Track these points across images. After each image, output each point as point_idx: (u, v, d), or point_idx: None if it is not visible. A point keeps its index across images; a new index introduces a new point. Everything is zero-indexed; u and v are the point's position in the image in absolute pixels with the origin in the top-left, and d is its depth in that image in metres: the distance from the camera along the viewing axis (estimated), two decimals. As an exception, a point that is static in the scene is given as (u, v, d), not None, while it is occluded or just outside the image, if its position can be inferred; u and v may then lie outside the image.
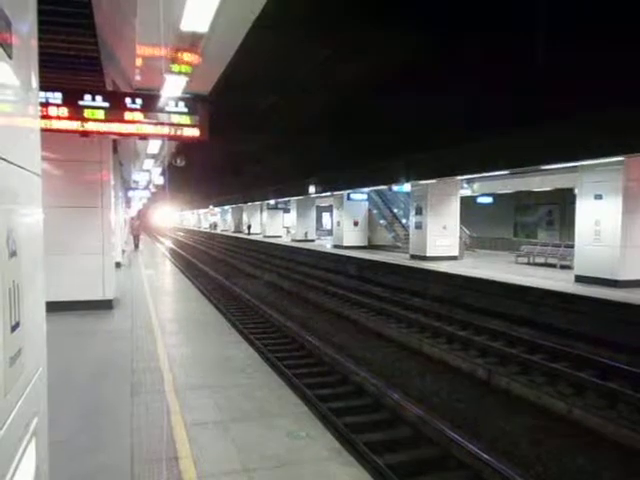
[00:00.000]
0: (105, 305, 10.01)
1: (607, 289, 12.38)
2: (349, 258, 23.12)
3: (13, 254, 1.52)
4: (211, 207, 59.55)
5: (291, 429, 4.48)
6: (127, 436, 4.34)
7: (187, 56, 5.68)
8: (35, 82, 1.96)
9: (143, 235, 34.08)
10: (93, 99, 6.69)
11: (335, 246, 28.76)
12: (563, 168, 15.70)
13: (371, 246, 28.35)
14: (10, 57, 1.53)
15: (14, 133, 1.64)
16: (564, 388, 7.68)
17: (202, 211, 73.08)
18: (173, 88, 6.81)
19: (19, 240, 1.58)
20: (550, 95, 9.84)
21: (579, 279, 13.83)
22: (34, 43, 1.94)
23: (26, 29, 1.82)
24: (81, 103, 6.64)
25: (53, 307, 7.92)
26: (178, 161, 17.87)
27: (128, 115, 6.80)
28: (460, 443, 5.43)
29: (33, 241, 1.84)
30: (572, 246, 15.51)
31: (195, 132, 7.06)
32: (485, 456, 5.15)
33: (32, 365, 1.77)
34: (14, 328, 1.52)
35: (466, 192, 23.77)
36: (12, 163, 1.53)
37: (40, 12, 2.06)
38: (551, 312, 11.83)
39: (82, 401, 5.23)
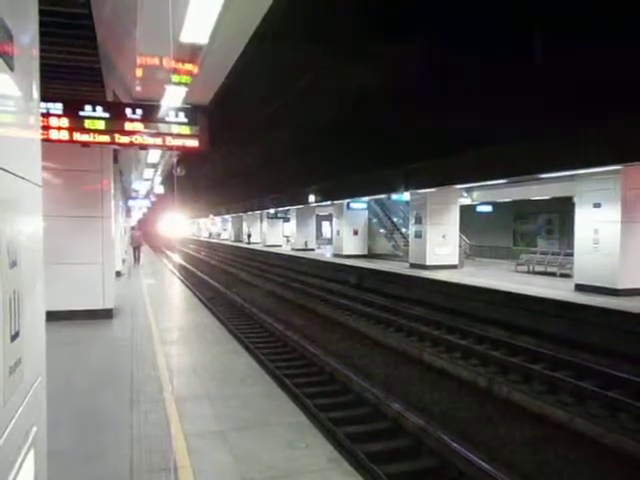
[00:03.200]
0: (105, 314, 10.00)
1: (607, 298, 12.36)
2: (348, 267, 23.11)
3: (13, 264, 1.53)
4: (211, 216, 59.54)
5: (291, 439, 4.46)
6: (126, 446, 4.32)
7: (187, 67, 5.73)
8: (36, 93, 1.98)
9: (145, 247, 33.45)
10: (94, 110, 6.73)
11: (335, 255, 28.74)
12: (562, 177, 15.71)
13: (371, 255, 28.33)
14: (11, 69, 1.55)
15: (15, 143, 1.65)
16: (565, 397, 7.67)
17: (202, 220, 73.09)
18: (173, 98, 6.86)
19: (19, 250, 1.59)
20: (549, 100, 9.87)
21: (579, 287, 13.81)
22: (35, 54, 1.96)
23: (27, 40, 1.84)
24: (82, 114, 6.68)
25: (53, 316, 7.90)
26: (178, 170, 17.93)
27: (128, 125, 6.84)
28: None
29: (33, 251, 1.85)
30: (572, 254, 15.49)
31: (195, 142, 7.10)
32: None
33: (31, 374, 1.77)
34: (14, 337, 1.52)
35: (465, 201, 23.79)
36: (12, 173, 1.54)
37: (41, 24, 2.08)
38: (551, 321, 11.80)
39: (81, 410, 5.21)
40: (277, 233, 42.41)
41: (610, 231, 13.15)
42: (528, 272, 18.93)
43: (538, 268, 18.96)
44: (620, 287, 12.86)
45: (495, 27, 9.96)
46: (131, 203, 29.18)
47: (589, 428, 6.34)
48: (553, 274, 17.82)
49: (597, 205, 13.52)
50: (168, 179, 24.05)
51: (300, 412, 5.28)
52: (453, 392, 8.06)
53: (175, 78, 5.94)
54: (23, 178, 1.69)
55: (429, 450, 5.78)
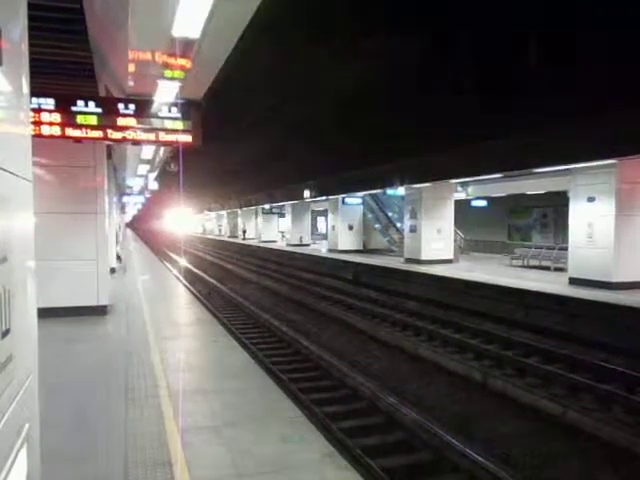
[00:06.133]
0: (99, 311, 9.97)
1: (601, 291, 12.43)
2: (343, 262, 23.14)
3: (4, 260, 1.52)
4: (205, 212, 59.46)
5: (285, 433, 4.47)
6: (121, 442, 4.32)
7: (179, 61, 5.69)
8: (26, 88, 1.96)
9: (140, 242, 33.23)
10: (86, 105, 6.68)
11: (330, 250, 28.75)
12: (556, 171, 15.75)
13: (366, 250, 28.36)
14: (0, 63, 1.54)
15: (4, 139, 1.64)
16: (558, 390, 7.72)
17: (197, 217, 72.95)
18: (166, 93, 6.82)
19: (10, 246, 1.59)
20: (546, 97, 9.88)
21: (573, 281, 13.87)
22: (25, 49, 1.95)
23: (17, 35, 1.82)
24: (74, 109, 6.63)
25: (47, 313, 7.85)
26: (172, 166, 17.83)
27: (121, 121, 6.79)
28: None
29: (24, 247, 1.85)
30: (566, 248, 15.56)
31: (188, 137, 7.06)
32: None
33: (23, 371, 1.77)
34: (4, 334, 1.52)
35: (460, 195, 23.82)
36: (2, 169, 1.53)
37: (32, 18, 2.07)
38: (544, 314, 11.86)
39: (76, 407, 5.20)
40: (272, 229, 42.38)
41: (604, 225, 13.20)
42: (523, 266, 18.99)
43: (533, 262, 19.03)
44: (614, 280, 12.93)
45: (493, 22, 9.94)
46: (125, 199, 29.09)
47: (582, 421, 6.38)
48: (547, 268, 17.89)
49: (591, 199, 13.58)
50: (162, 175, 23.96)
51: (295, 407, 5.29)
52: (448, 386, 8.09)
53: (168, 73, 5.90)
54: (13, 173, 1.68)
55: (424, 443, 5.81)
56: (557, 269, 17.31)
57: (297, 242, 34.78)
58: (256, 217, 45.89)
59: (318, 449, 4.19)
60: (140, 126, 6.87)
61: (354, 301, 15.28)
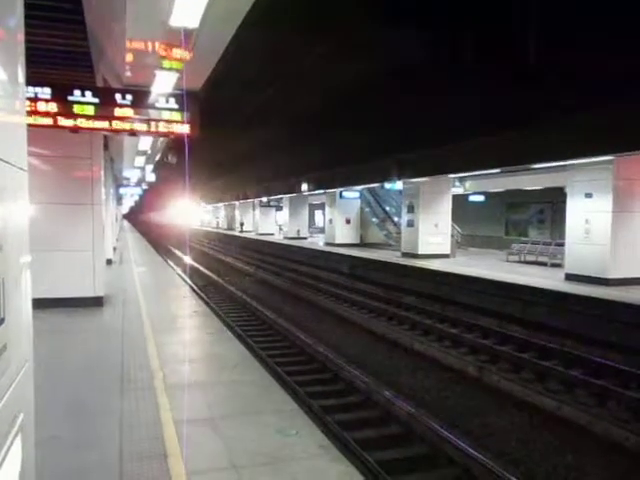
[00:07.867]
0: (95, 302, 9.96)
1: (597, 287, 12.46)
2: (340, 255, 23.15)
3: (-2, 249, 1.51)
4: (203, 204, 59.28)
5: (281, 426, 4.48)
6: (116, 433, 4.32)
7: (177, 52, 5.66)
8: (22, 77, 1.95)
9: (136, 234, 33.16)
10: (83, 95, 6.65)
11: (327, 244, 28.75)
12: (554, 167, 15.76)
13: (363, 244, 28.37)
14: (-5, 51, 1.53)
15: (-1, 128, 1.63)
16: (554, 385, 7.76)
17: (193, 209, 72.70)
18: (163, 84, 6.79)
19: (4, 235, 1.58)
20: (544, 93, 9.86)
21: (569, 277, 13.91)
22: (21, 37, 1.93)
23: (12, 23, 1.81)
24: (71, 98, 6.60)
25: (43, 304, 7.83)
26: (170, 158, 17.79)
27: (118, 111, 6.76)
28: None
29: (19, 236, 1.84)
30: (563, 244, 15.59)
31: (185, 128, 7.04)
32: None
33: (17, 361, 1.76)
34: (-1, 323, 1.52)
35: (458, 190, 23.82)
36: (-3, 158, 1.52)
37: (29, 7, 2.06)
38: (540, 310, 11.89)
39: (71, 398, 5.20)
40: (270, 221, 42.36)
41: (601, 221, 13.22)
42: (519, 262, 19.03)
43: (529, 258, 19.07)
44: (610, 277, 12.96)
45: (491, 18, 9.91)
46: (122, 191, 29.05)
47: (577, 416, 6.42)
48: (544, 264, 17.93)
49: (588, 195, 13.59)
50: (160, 167, 23.91)
51: (291, 400, 5.30)
52: (443, 380, 8.12)
53: (165, 63, 5.88)
54: (8, 162, 1.67)
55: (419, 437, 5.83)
56: (554, 265, 17.34)
57: (294, 235, 34.77)
58: (253, 210, 45.83)
59: (314, 441, 4.21)
60: (137, 117, 6.85)
61: (349, 294, 15.29)
